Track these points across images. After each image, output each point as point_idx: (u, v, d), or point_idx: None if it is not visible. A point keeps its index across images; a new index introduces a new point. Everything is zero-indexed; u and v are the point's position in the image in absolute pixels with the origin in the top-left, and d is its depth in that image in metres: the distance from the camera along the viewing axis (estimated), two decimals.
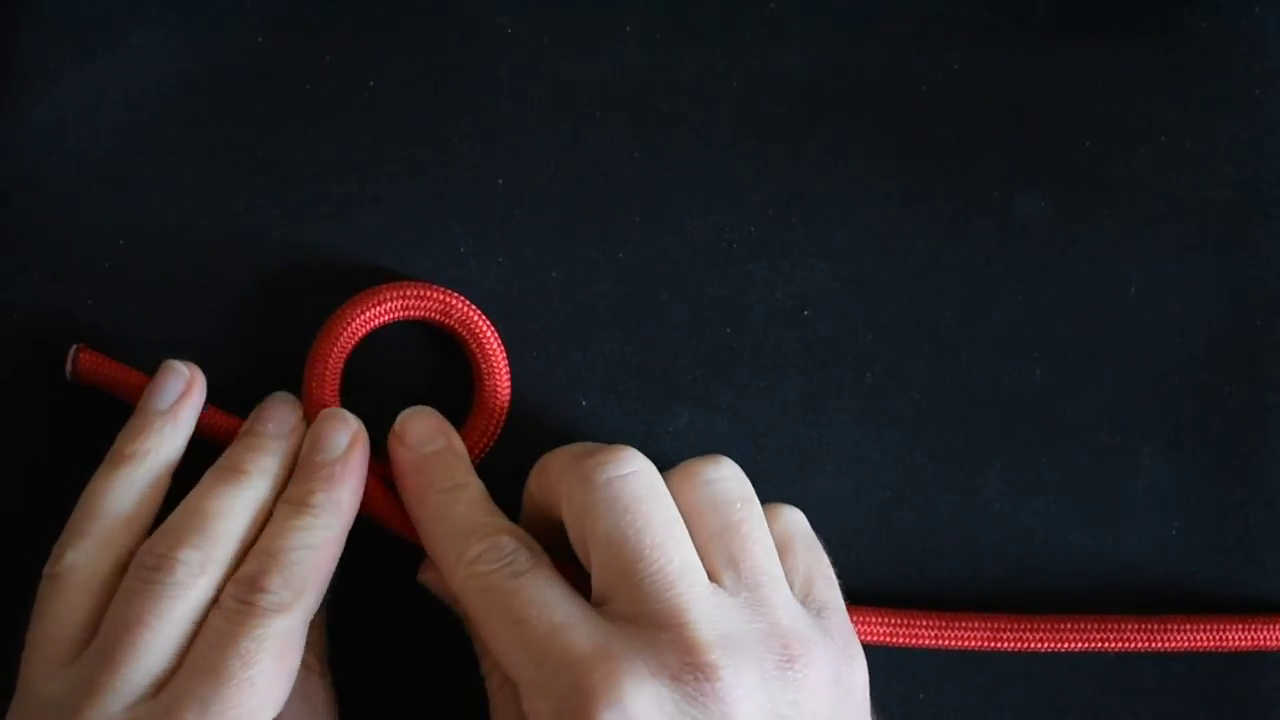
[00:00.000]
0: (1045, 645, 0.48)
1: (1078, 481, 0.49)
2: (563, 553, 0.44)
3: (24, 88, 0.47)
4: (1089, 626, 0.48)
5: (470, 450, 0.47)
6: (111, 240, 0.48)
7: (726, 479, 0.44)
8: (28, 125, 0.47)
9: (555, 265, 0.48)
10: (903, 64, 0.49)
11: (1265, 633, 0.48)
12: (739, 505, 0.44)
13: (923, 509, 0.49)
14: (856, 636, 0.44)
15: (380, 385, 0.48)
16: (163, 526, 0.44)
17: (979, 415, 0.49)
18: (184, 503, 0.44)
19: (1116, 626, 0.48)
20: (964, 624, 0.48)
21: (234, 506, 0.44)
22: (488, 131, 0.48)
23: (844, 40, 0.49)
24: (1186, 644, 0.48)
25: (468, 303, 0.47)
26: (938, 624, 0.48)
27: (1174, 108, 0.49)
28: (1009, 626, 0.48)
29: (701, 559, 0.43)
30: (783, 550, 0.44)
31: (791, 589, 0.44)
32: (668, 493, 0.43)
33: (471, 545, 0.43)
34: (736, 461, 0.47)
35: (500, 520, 0.45)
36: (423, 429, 0.46)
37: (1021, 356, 0.49)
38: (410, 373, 0.48)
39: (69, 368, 0.47)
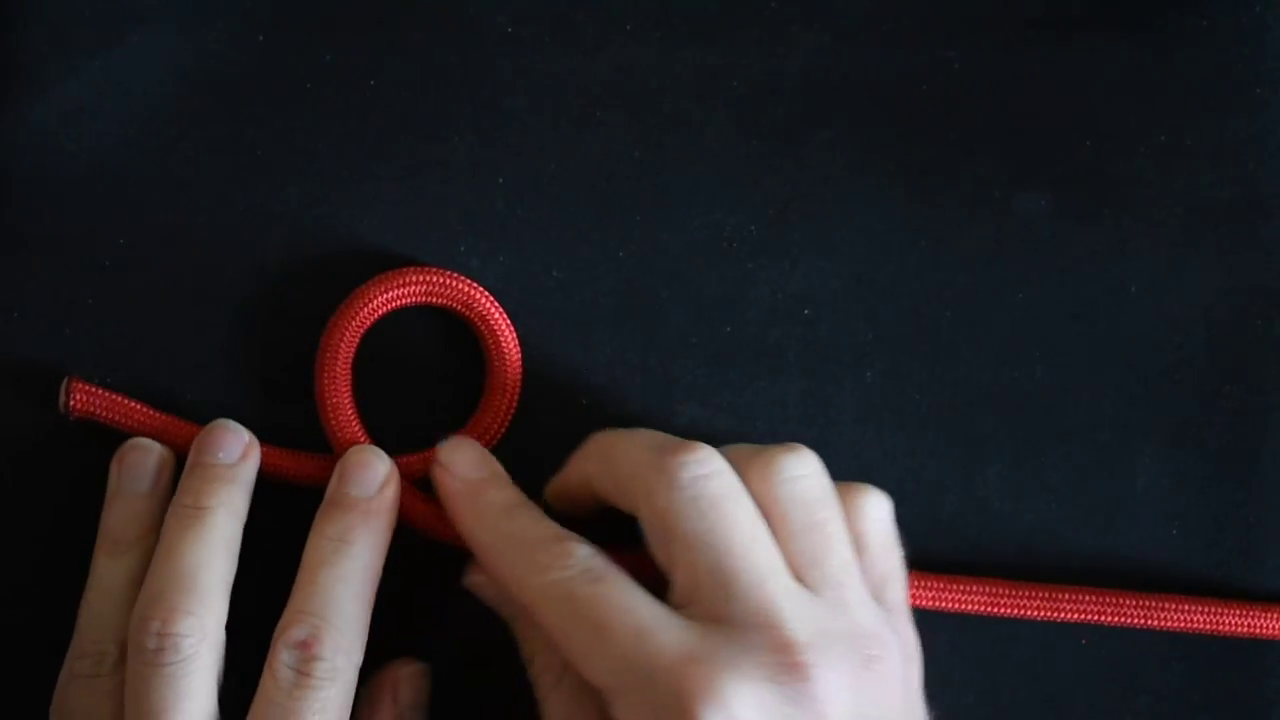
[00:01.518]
0: (1041, 614, 0.48)
1: (1078, 481, 0.49)
2: (598, 533, 0.44)
3: (24, 86, 0.47)
4: (1085, 598, 0.48)
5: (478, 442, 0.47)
6: (111, 240, 0.48)
7: (810, 476, 0.43)
8: (27, 124, 0.47)
9: (555, 264, 0.48)
10: (903, 64, 0.49)
11: (1263, 620, 0.48)
12: (823, 503, 0.43)
13: (923, 509, 0.49)
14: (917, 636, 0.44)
15: (386, 373, 0.48)
16: (147, 592, 0.43)
17: (979, 415, 0.49)
18: (159, 558, 0.44)
19: (1114, 601, 0.48)
20: (962, 587, 0.48)
21: (211, 552, 0.44)
22: (488, 131, 0.48)
23: (844, 40, 0.49)
24: (1183, 624, 0.48)
25: (488, 294, 0.47)
26: (936, 586, 0.48)
27: (1174, 108, 0.49)
28: (1007, 592, 0.48)
29: (783, 556, 0.42)
30: (860, 547, 0.44)
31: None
32: (747, 492, 0.43)
33: (544, 554, 0.43)
34: None
35: (566, 531, 0.44)
36: (469, 458, 0.46)
37: (1021, 356, 0.49)
38: (416, 364, 0.48)
39: (61, 400, 0.46)
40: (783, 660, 0.40)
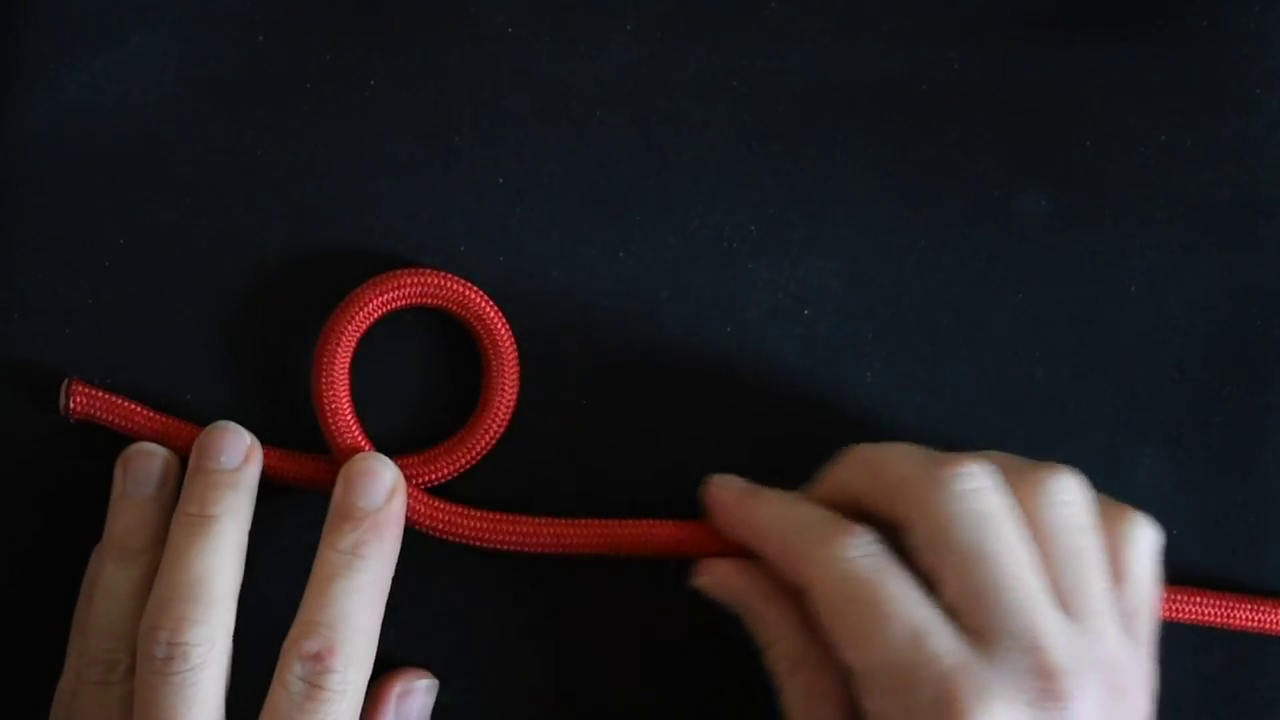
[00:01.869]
0: None
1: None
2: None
3: (24, 87, 0.47)
4: None
5: (476, 446, 0.47)
6: (111, 240, 0.48)
7: (1076, 501, 0.44)
8: (28, 124, 0.48)
9: (555, 264, 0.48)
10: (903, 64, 0.49)
11: (1272, 615, 0.48)
12: (1088, 530, 0.44)
13: None
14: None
15: (384, 375, 0.48)
16: (156, 601, 0.43)
17: (979, 415, 0.49)
18: (166, 567, 0.44)
19: None
20: None
21: (219, 561, 0.44)
22: (488, 131, 0.48)
23: (844, 40, 0.49)
24: (1192, 615, 0.48)
25: (484, 295, 0.47)
26: None
27: (1174, 108, 0.49)
28: None
29: (1045, 578, 0.43)
30: (1119, 574, 0.44)
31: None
32: (1018, 510, 0.43)
33: (832, 534, 0.43)
34: (735, 461, 0.47)
35: (851, 521, 0.44)
36: (736, 479, 0.47)
37: (1021, 356, 0.49)
38: (414, 365, 0.48)
39: (61, 403, 0.46)
40: (1045, 686, 0.41)
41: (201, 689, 0.42)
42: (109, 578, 0.45)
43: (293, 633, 0.43)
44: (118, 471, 0.46)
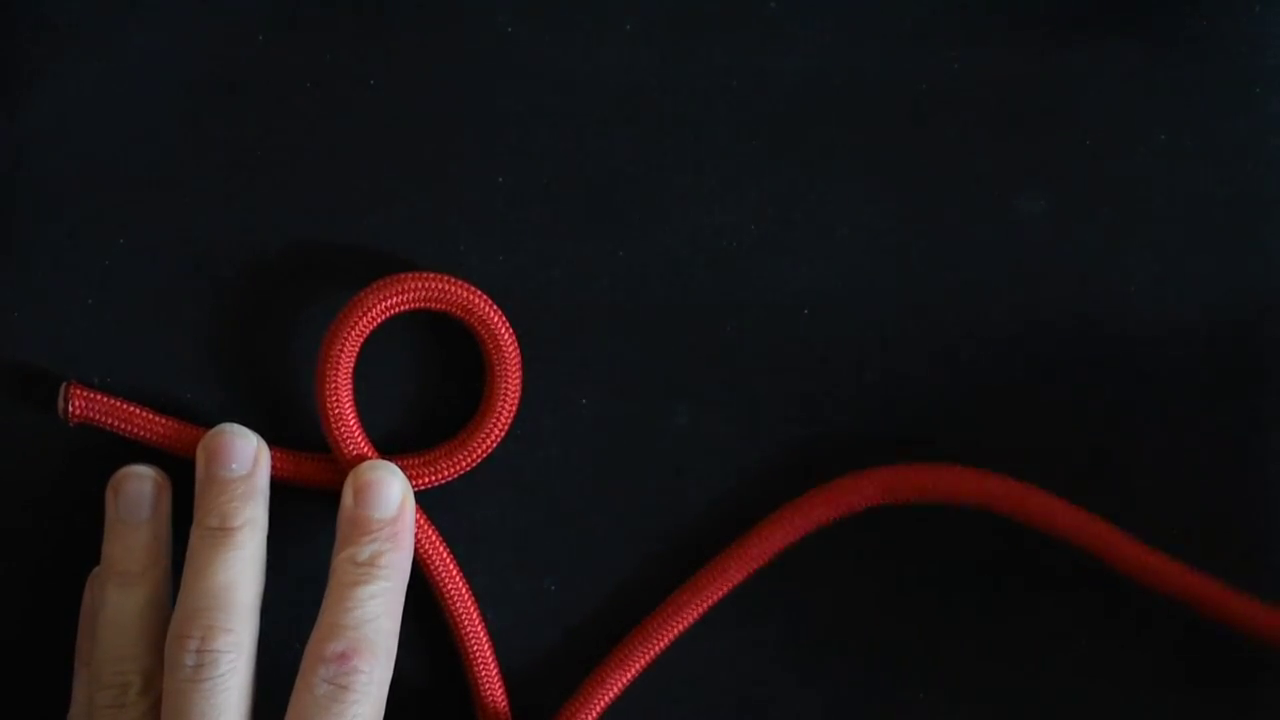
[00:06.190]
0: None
1: (1078, 482, 0.49)
2: None
3: (24, 87, 0.48)
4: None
5: (478, 448, 0.47)
6: (111, 240, 0.48)
7: None
8: (27, 125, 0.48)
9: (555, 264, 0.48)
10: (903, 64, 0.49)
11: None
12: None
13: (921, 509, 0.49)
14: None
15: (386, 377, 0.48)
16: (183, 611, 0.44)
17: (979, 415, 0.49)
18: (191, 577, 0.44)
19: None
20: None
21: (243, 570, 0.44)
22: (488, 131, 0.48)
23: (844, 40, 0.49)
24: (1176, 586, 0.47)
25: (487, 299, 0.47)
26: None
27: (1174, 108, 0.49)
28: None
29: None
30: None
31: None
32: None
33: None
34: (736, 461, 0.47)
35: None
36: None
37: (1022, 356, 0.49)
38: (416, 366, 0.48)
39: (60, 406, 0.46)
40: None
41: (231, 695, 0.43)
42: (111, 602, 0.45)
43: (315, 636, 0.43)
44: (109, 497, 0.46)
